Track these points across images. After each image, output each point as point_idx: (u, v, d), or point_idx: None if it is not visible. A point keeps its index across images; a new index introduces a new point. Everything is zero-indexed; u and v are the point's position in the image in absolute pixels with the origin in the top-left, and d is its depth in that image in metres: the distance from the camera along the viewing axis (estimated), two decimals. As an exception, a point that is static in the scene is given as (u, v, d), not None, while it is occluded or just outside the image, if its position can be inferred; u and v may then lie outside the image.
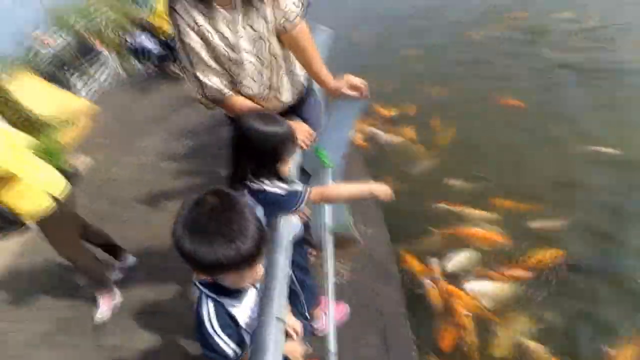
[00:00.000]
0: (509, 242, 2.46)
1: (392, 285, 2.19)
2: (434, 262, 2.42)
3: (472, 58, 4.81)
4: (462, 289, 2.23)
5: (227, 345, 0.96)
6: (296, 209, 1.33)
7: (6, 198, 2.02)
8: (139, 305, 2.45)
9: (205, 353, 0.98)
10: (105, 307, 2.44)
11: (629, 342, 1.90)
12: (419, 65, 5.02)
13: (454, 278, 2.31)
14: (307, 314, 1.69)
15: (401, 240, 2.63)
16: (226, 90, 1.56)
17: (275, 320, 0.94)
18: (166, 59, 6.43)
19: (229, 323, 0.98)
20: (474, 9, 6.12)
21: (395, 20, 6.66)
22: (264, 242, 0.90)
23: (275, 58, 1.59)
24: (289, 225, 1.29)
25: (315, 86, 1.89)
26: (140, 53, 7.48)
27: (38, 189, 2.07)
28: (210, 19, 1.44)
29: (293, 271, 1.55)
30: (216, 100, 1.59)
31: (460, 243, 2.51)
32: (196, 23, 1.42)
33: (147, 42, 6.53)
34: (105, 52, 7.91)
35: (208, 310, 0.96)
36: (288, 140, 1.32)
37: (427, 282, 2.27)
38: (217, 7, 1.42)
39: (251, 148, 1.28)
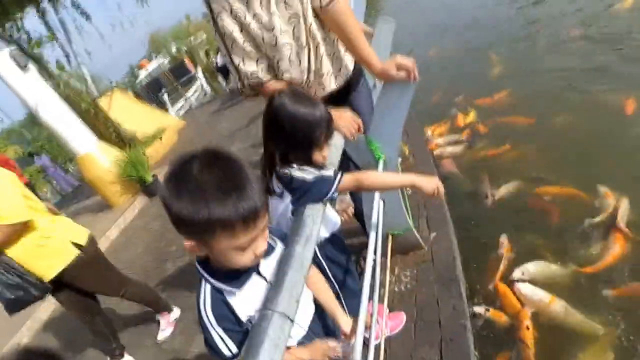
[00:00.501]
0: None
1: (454, 295, 1.91)
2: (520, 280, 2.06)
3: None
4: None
5: (221, 340, 0.82)
6: (328, 196, 1.18)
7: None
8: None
9: (205, 345, 0.86)
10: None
11: None
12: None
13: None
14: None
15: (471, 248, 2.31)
16: (263, 75, 1.47)
17: (276, 316, 0.78)
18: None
19: (227, 315, 0.84)
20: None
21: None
22: (262, 200, 0.76)
23: (315, 39, 1.47)
24: (317, 216, 1.13)
25: (367, 73, 1.74)
26: (225, 72, 8.07)
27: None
28: None
29: (329, 268, 1.39)
30: (255, 88, 1.52)
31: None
32: (230, 4, 1.36)
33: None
34: (196, 73, 8.68)
35: (204, 296, 0.83)
36: (322, 126, 1.18)
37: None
38: None
39: (281, 129, 1.18)
